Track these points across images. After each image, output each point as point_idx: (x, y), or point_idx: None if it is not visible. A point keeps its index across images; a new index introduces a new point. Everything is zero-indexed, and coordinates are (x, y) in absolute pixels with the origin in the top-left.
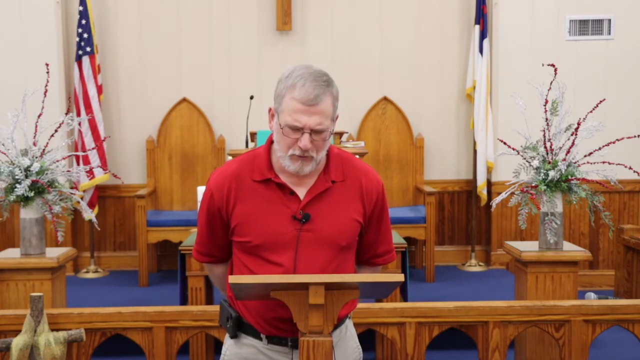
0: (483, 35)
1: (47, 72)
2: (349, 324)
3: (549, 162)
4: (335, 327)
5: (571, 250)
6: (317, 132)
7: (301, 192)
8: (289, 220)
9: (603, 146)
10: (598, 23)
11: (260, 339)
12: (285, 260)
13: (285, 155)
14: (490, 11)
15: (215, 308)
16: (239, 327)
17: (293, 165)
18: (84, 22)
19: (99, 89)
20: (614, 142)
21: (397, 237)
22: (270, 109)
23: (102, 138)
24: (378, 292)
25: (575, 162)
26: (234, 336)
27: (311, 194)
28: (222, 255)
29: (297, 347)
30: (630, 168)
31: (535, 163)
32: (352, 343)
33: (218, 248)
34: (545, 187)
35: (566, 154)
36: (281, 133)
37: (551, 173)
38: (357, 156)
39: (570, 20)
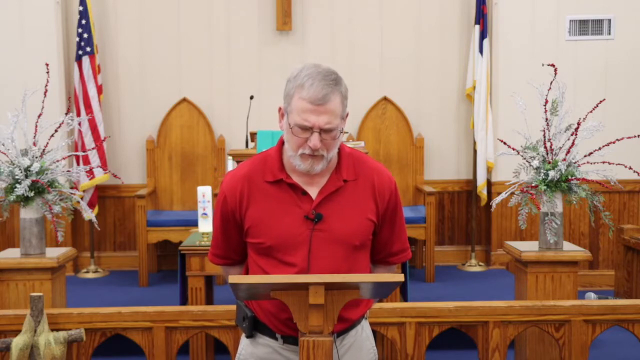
0: (483, 35)
1: (47, 72)
2: (364, 324)
3: (549, 162)
4: (351, 327)
5: (571, 250)
6: (326, 131)
7: (313, 192)
8: (301, 220)
9: (603, 146)
10: (598, 23)
11: (276, 339)
12: (298, 260)
13: (296, 154)
14: (490, 11)
15: (215, 308)
16: (255, 327)
17: (303, 165)
18: (84, 22)
19: (99, 89)
20: (614, 142)
21: None
22: (280, 109)
23: (102, 138)
24: (378, 292)
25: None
26: (249, 336)
27: (323, 193)
28: (238, 258)
29: None
30: (630, 168)
31: (535, 163)
32: (367, 344)
33: (233, 250)
34: (545, 187)
35: (566, 154)
36: (291, 133)
37: (551, 173)
38: None
39: (570, 20)
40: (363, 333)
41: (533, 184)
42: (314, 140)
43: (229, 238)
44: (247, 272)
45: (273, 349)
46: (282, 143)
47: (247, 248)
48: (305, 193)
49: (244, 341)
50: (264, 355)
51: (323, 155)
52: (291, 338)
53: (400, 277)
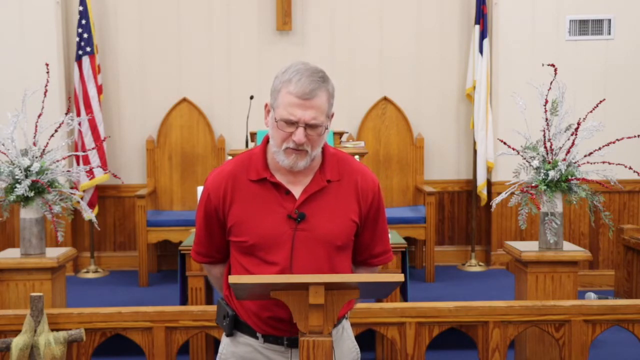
0: (483, 35)
1: (47, 72)
2: (345, 324)
3: (549, 162)
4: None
5: (571, 250)
6: (311, 126)
7: (297, 192)
8: (284, 219)
9: (603, 146)
10: (598, 23)
11: (257, 338)
12: (280, 259)
13: (279, 149)
14: (490, 11)
15: (215, 308)
16: (236, 326)
17: (287, 160)
18: (84, 22)
19: (99, 89)
20: (614, 142)
21: (397, 237)
22: (266, 105)
23: (102, 138)
24: (378, 292)
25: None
26: (230, 335)
27: (307, 193)
28: (220, 256)
29: (293, 346)
30: (630, 168)
31: (535, 163)
32: (349, 343)
33: (216, 248)
34: (545, 187)
35: (566, 154)
36: (276, 127)
37: (551, 173)
38: (357, 156)
39: (570, 20)
40: (344, 333)
41: (533, 184)
42: (299, 134)
43: (212, 236)
44: (229, 271)
45: (253, 348)
46: (267, 141)
47: (230, 246)
48: (288, 192)
49: (224, 340)
50: (244, 354)
51: (307, 151)
52: (272, 337)
53: (400, 277)
